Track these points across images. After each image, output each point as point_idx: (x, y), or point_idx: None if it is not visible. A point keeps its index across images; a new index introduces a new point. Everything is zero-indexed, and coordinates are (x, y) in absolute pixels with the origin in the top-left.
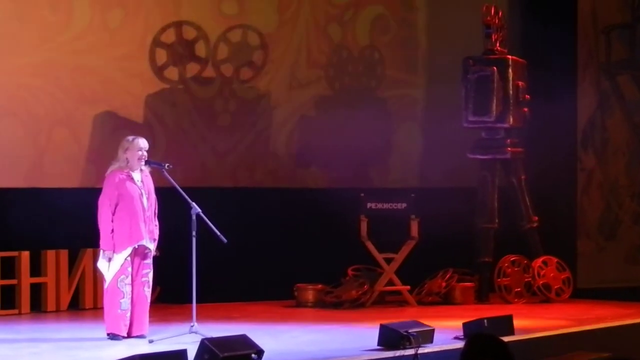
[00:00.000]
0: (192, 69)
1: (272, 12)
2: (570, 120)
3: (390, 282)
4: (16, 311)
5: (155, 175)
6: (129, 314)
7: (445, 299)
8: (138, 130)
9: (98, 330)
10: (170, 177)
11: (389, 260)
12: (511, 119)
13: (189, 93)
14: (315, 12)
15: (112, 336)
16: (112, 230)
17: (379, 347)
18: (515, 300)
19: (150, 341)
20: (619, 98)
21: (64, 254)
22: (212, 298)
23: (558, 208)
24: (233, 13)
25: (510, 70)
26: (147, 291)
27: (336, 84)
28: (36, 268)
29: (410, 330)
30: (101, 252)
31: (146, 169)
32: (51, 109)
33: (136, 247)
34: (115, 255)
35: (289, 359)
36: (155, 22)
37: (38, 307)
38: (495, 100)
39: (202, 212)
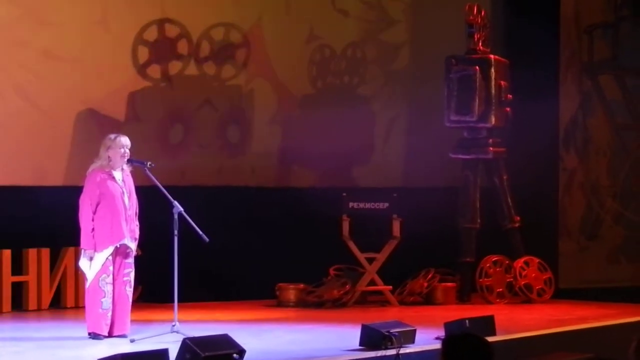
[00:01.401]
0: (175, 66)
1: (255, 10)
2: (552, 120)
3: (372, 282)
4: None
5: (137, 173)
6: (110, 314)
7: (427, 299)
8: (120, 128)
9: (79, 330)
10: (152, 176)
11: (370, 260)
12: (493, 119)
13: (172, 91)
14: (298, 10)
15: (94, 335)
16: (93, 229)
17: (360, 347)
18: (497, 300)
19: (132, 340)
20: (601, 98)
21: (46, 252)
22: (193, 297)
23: (540, 208)
24: (216, 11)
25: (492, 70)
26: (129, 290)
27: (319, 83)
28: (17, 266)
29: (392, 331)
30: (82, 251)
31: (127, 168)
32: (32, 106)
33: (118, 246)
34: (96, 254)
35: (270, 359)
36: (138, 19)
37: (19, 306)
38: (477, 100)
39: (184, 211)
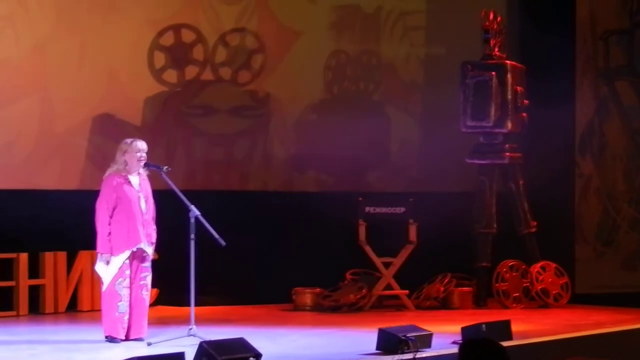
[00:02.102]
0: (191, 71)
1: (270, 16)
2: (568, 125)
3: (389, 287)
4: (14, 313)
5: (154, 178)
6: (127, 317)
7: (443, 304)
8: (136, 132)
9: (96, 333)
10: (168, 180)
11: (387, 265)
12: (509, 124)
13: (187, 96)
14: (314, 16)
15: (110, 339)
16: (109, 233)
17: (377, 352)
18: (514, 305)
19: (149, 344)
20: (617, 104)
21: (62, 255)
22: (210, 301)
23: (556, 213)
24: (231, 16)
25: (508, 76)
26: (146, 294)
27: (334, 88)
28: (34, 270)
29: (408, 335)
30: (99, 255)
31: (144, 172)
32: (49, 111)
33: (134, 250)
34: (113, 258)
35: None
36: (154, 25)
37: (36, 309)
38: (493, 106)
39: (201, 215)
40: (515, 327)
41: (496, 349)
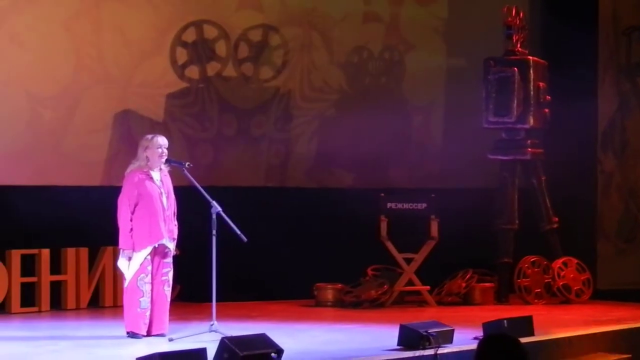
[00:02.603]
0: (213, 67)
1: (292, 12)
2: (590, 121)
3: (410, 282)
4: (36, 309)
5: (175, 174)
6: (148, 313)
7: (465, 300)
8: (158, 128)
9: (118, 329)
10: (190, 176)
11: (408, 261)
12: (532, 120)
13: (210, 92)
14: (335, 12)
15: (132, 335)
16: (131, 230)
17: (398, 347)
18: (535, 301)
19: (170, 340)
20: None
21: (84, 251)
22: (231, 297)
23: (577, 210)
24: (254, 12)
25: (531, 71)
26: (167, 290)
27: (356, 84)
28: (56, 266)
29: (429, 331)
30: (121, 251)
31: (165, 168)
32: (73, 108)
33: (156, 246)
34: (135, 254)
35: (308, 359)
36: (177, 20)
37: (58, 305)
38: (516, 101)
39: (223, 211)
40: (537, 323)
41: (514, 344)
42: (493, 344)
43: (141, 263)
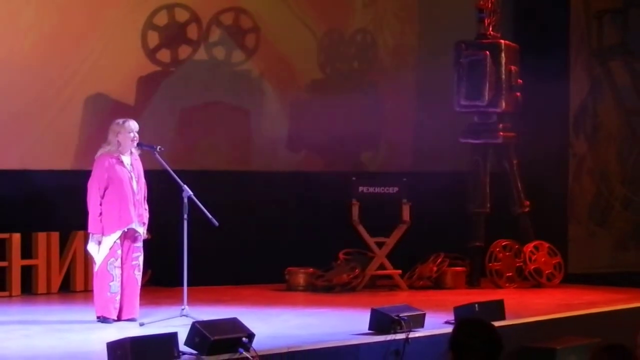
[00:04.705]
0: (184, 51)
1: None
2: (562, 105)
3: (382, 266)
4: (7, 293)
5: (146, 157)
6: (118, 297)
7: (436, 284)
8: (129, 112)
9: (89, 313)
10: (162, 160)
11: (380, 245)
12: (503, 104)
13: (181, 76)
14: None
15: (102, 319)
16: (101, 214)
17: (370, 332)
18: (507, 285)
19: (141, 324)
20: (611, 84)
21: (55, 236)
22: (202, 281)
23: (549, 193)
24: None
25: (503, 55)
26: (138, 274)
27: (327, 68)
28: (27, 250)
29: (401, 315)
30: (90, 235)
31: (136, 152)
32: (42, 91)
33: (125, 230)
34: (104, 238)
35: (279, 343)
36: (148, 4)
37: (29, 290)
38: (487, 85)
39: (194, 195)
40: (508, 307)
41: (488, 329)
42: (467, 329)
43: (111, 247)
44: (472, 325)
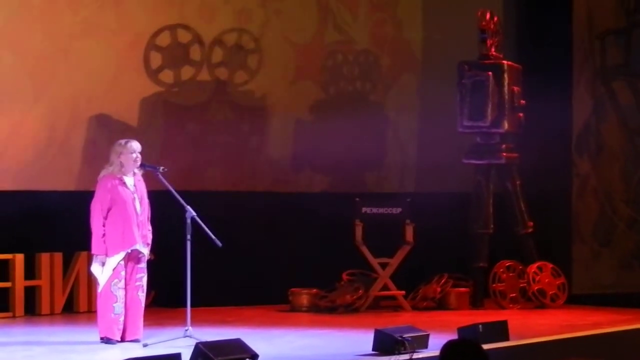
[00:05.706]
0: (187, 72)
1: (266, 16)
2: (565, 125)
3: (385, 287)
4: (10, 314)
5: (150, 178)
6: (122, 318)
7: (440, 304)
8: (132, 133)
9: (92, 334)
10: (164, 180)
11: (383, 265)
12: (506, 124)
13: (184, 96)
14: (310, 16)
15: (106, 340)
16: (104, 235)
17: (373, 352)
18: (510, 305)
19: (145, 345)
20: (614, 103)
21: (59, 256)
22: (206, 302)
23: (553, 213)
24: (228, 17)
25: (505, 76)
26: (141, 295)
27: (331, 88)
28: (30, 271)
29: (405, 335)
30: (94, 256)
31: (139, 173)
32: (45, 112)
33: (129, 251)
34: (108, 259)
35: None
36: (150, 25)
37: (32, 310)
38: (490, 105)
39: (197, 215)
40: (512, 328)
41: (475, 349)
42: (454, 350)
43: (114, 268)
44: (458, 346)
